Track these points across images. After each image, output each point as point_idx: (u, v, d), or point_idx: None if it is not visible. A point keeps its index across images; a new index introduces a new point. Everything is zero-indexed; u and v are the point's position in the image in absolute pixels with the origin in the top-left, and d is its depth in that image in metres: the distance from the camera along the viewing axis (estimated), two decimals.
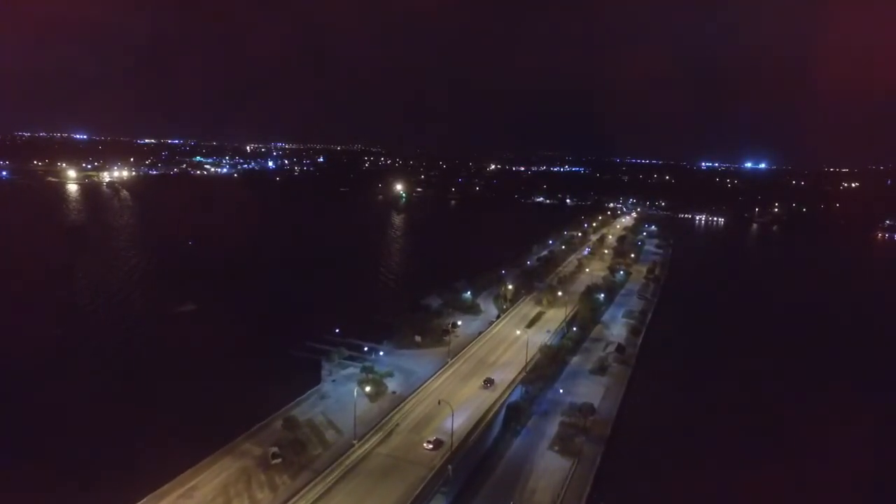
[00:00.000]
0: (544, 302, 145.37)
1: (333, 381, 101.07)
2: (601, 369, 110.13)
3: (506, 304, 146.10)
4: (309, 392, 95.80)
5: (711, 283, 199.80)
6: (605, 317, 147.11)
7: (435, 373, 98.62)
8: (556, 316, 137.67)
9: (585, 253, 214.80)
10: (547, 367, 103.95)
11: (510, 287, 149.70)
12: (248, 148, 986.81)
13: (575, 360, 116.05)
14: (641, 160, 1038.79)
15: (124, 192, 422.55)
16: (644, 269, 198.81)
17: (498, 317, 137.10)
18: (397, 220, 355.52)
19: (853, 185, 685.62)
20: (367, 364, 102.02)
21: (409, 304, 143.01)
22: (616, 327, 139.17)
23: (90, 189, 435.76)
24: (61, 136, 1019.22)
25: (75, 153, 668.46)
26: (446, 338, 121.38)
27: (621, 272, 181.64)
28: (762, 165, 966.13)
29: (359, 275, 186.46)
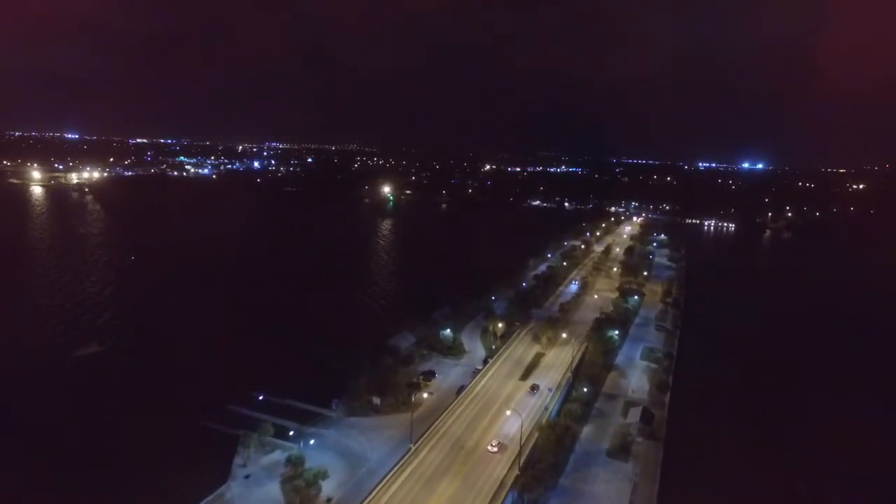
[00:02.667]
0: (543, 340, 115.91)
1: (247, 476, 71.71)
2: (623, 449, 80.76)
3: (496, 342, 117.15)
4: (206, 500, 66.40)
5: (738, 308, 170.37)
6: (620, 358, 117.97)
7: (391, 470, 68.75)
8: (558, 360, 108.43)
9: (574, 288, 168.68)
10: (550, 454, 74.43)
11: (500, 325, 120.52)
12: (238, 148, 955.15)
13: (586, 432, 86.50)
14: (638, 160, 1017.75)
15: (88, 196, 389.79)
16: (659, 290, 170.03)
17: (486, 361, 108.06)
18: (380, 227, 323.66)
19: (860, 186, 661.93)
20: (296, 454, 72.29)
21: (373, 346, 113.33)
22: (635, 375, 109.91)
23: (52, 192, 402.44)
24: (52, 135, 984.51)
25: (57, 153, 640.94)
26: (415, 397, 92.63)
27: (635, 297, 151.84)
28: (760, 166, 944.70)
29: (319, 301, 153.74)
